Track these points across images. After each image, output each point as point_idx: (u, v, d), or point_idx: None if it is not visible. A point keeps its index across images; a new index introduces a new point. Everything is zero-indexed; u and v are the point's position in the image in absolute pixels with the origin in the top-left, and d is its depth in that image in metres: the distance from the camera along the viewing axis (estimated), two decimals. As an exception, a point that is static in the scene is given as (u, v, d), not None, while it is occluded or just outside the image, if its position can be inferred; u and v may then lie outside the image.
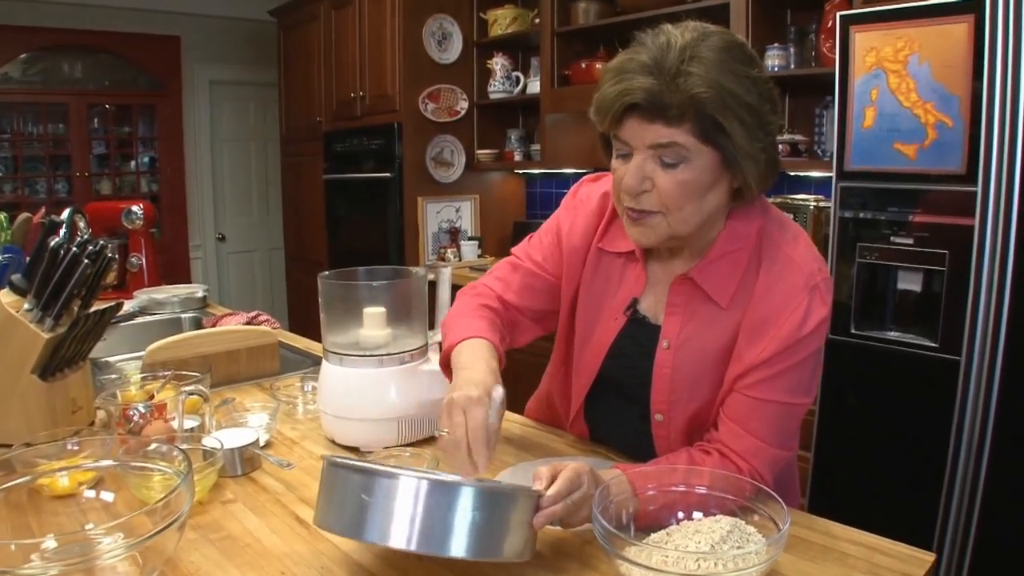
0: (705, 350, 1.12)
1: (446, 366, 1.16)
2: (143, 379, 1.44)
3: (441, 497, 0.81)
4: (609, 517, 0.89)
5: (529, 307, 1.28)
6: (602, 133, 1.08)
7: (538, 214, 4.34)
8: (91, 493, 1.05)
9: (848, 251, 2.19)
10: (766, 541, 0.87)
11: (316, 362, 1.71)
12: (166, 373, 1.44)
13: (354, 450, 1.32)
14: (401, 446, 1.30)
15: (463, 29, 4.02)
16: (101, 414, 1.40)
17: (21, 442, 1.11)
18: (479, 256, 4.12)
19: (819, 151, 2.84)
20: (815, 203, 2.58)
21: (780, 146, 2.75)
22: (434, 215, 4.10)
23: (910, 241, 2.06)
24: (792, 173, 2.95)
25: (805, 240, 1.11)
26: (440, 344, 1.23)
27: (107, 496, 1.05)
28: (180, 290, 2.62)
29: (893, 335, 2.14)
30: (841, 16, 2.11)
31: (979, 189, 1.90)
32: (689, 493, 0.99)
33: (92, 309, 1.37)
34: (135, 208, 2.83)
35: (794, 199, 2.71)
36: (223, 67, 5.63)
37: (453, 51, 4.01)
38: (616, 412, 1.27)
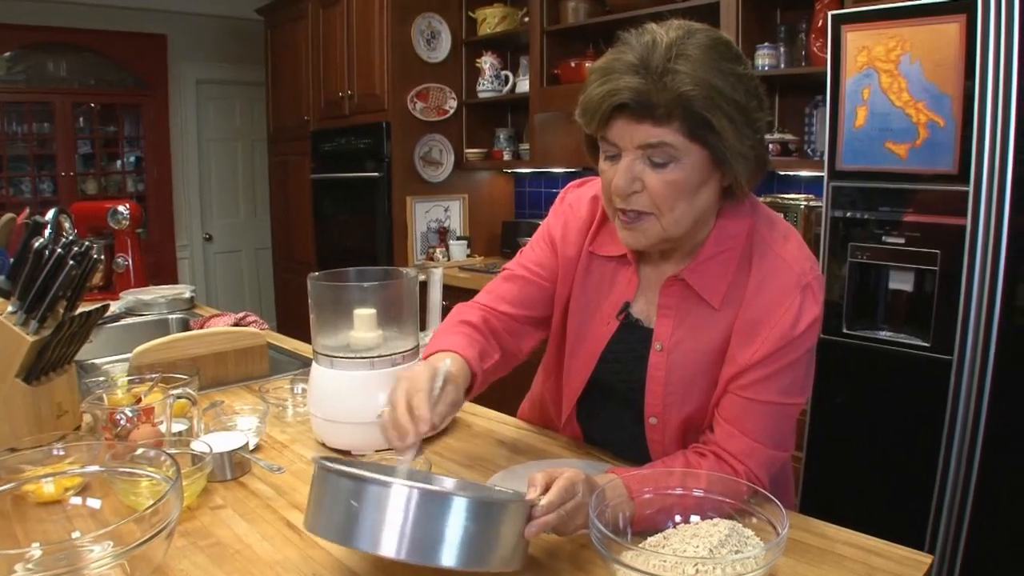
0: (698, 351, 1.11)
1: None
2: (130, 382, 1.42)
3: (433, 507, 0.80)
4: (605, 521, 0.88)
5: (528, 314, 1.26)
6: (588, 135, 1.07)
7: (527, 213, 4.33)
8: (77, 500, 1.04)
9: (839, 251, 2.19)
10: (765, 546, 0.86)
11: (305, 364, 1.69)
12: (153, 376, 1.43)
13: (346, 453, 1.31)
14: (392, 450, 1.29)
15: (452, 28, 4.01)
16: (87, 418, 1.38)
17: (5, 447, 1.10)
18: (468, 256, 4.10)
19: (809, 151, 2.84)
20: (806, 202, 2.59)
21: (770, 145, 2.76)
22: (423, 215, 4.08)
23: (902, 241, 2.06)
24: (782, 172, 2.95)
25: (796, 238, 1.11)
26: None
27: (94, 503, 1.03)
28: (167, 291, 2.59)
29: (885, 335, 2.14)
30: (833, 15, 2.11)
31: (971, 189, 1.90)
32: (686, 496, 0.98)
33: (78, 311, 1.35)
34: (121, 208, 2.80)
35: (784, 198, 2.71)
36: (210, 66, 5.58)
37: (442, 50, 4.00)
38: (609, 416, 1.26)
